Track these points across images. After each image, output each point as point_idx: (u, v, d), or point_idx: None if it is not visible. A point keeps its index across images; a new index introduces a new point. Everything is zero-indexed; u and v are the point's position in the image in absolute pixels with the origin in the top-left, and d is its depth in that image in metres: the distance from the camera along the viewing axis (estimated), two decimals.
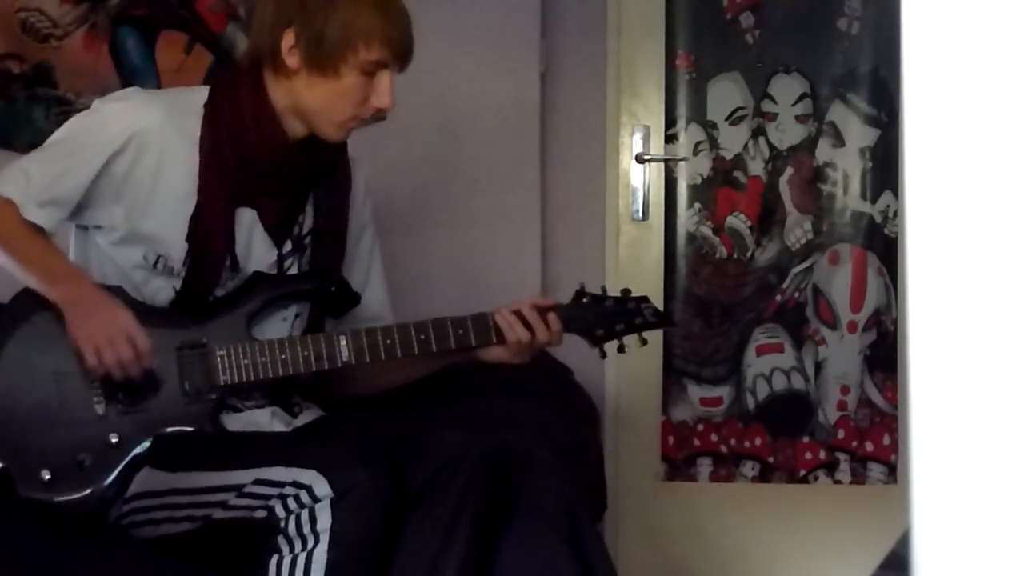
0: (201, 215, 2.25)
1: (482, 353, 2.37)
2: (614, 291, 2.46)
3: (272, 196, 2.31)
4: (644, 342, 2.45)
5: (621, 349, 2.43)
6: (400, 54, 2.26)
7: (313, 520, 2.08)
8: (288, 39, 2.22)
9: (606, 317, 2.40)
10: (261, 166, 2.27)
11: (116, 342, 2.14)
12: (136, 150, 2.22)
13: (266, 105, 2.25)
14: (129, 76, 3.22)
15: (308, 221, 2.37)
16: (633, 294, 2.45)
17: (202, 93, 2.31)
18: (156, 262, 2.26)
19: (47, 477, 2.15)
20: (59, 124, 3.12)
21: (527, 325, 2.32)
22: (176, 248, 2.25)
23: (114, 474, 2.17)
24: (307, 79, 2.23)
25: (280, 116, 2.26)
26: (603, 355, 2.44)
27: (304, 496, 2.09)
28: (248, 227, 2.30)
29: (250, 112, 2.25)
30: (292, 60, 2.22)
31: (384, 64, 2.23)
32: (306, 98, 2.24)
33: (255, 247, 2.31)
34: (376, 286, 2.49)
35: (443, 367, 2.43)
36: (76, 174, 2.23)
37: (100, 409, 2.20)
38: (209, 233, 2.25)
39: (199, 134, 2.25)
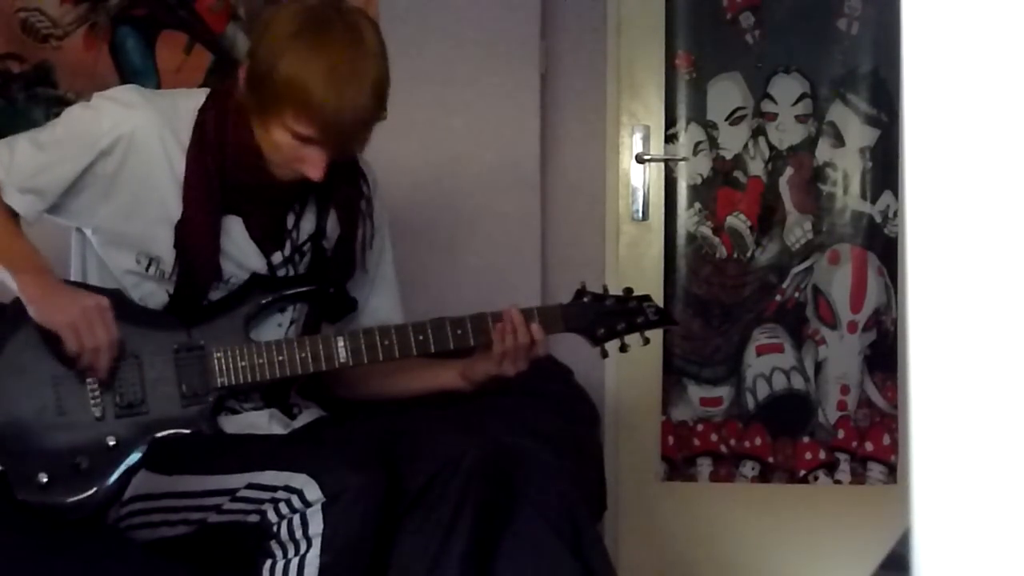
0: (186, 225, 2.23)
1: (474, 372, 2.36)
2: (615, 291, 2.45)
3: (256, 208, 2.28)
4: (646, 341, 2.44)
5: (623, 348, 2.41)
6: (330, 138, 2.11)
7: (305, 525, 2.07)
8: (243, 71, 2.15)
9: (607, 316, 2.39)
10: (241, 184, 2.24)
11: (93, 321, 2.12)
12: (123, 152, 2.20)
13: (247, 127, 2.19)
14: (129, 76, 3.22)
15: (309, 226, 2.35)
16: (635, 293, 2.44)
17: (200, 98, 2.28)
18: (148, 266, 2.25)
19: (44, 480, 2.14)
20: None
21: (513, 330, 2.31)
22: (166, 253, 2.24)
23: (112, 477, 2.17)
24: (252, 115, 2.16)
25: (258, 140, 2.20)
26: (604, 354, 2.43)
27: (295, 500, 2.08)
28: (237, 235, 2.28)
29: (232, 130, 2.21)
30: (241, 92, 2.16)
31: (312, 141, 2.12)
32: (255, 133, 2.18)
33: (245, 255, 2.30)
34: (384, 290, 2.47)
35: (440, 388, 2.42)
36: (61, 167, 2.21)
37: (97, 412, 2.19)
38: (195, 243, 2.23)
39: (189, 143, 2.23)
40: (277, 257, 2.32)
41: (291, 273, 2.34)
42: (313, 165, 2.14)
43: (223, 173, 2.22)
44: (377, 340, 2.28)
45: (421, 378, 2.44)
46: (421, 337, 2.29)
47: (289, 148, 2.14)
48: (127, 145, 2.20)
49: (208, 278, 2.26)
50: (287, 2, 2.25)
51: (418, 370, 2.43)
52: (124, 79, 3.21)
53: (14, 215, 2.22)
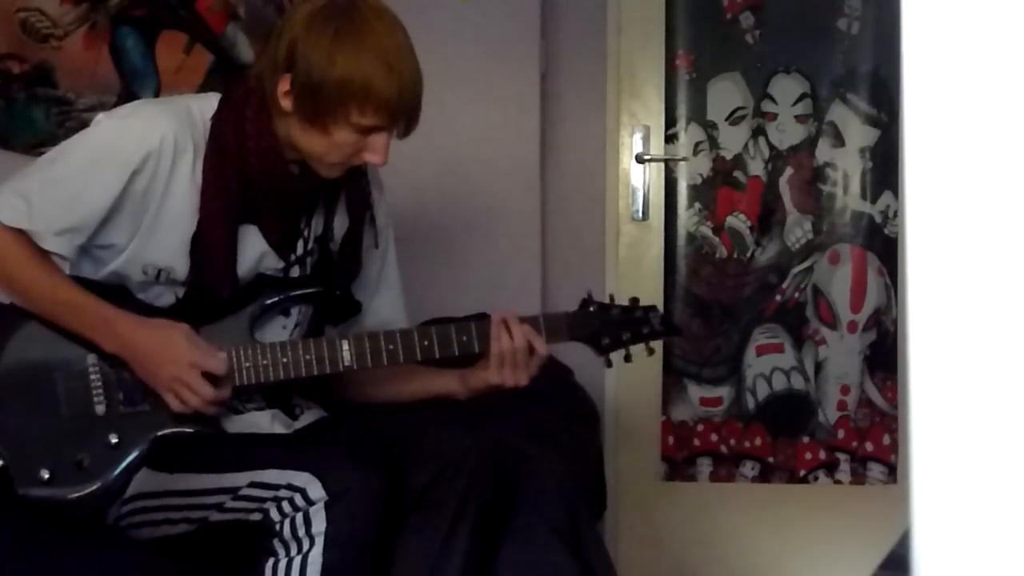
0: (202, 235, 2.21)
1: (473, 379, 2.35)
2: (615, 291, 2.45)
3: (274, 215, 2.27)
4: (651, 352, 2.43)
5: (628, 358, 2.40)
6: (397, 121, 2.16)
7: (308, 523, 2.07)
8: (284, 84, 2.14)
9: (612, 326, 2.38)
10: (261, 189, 2.23)
11: (194, 386, 2.15)
12: (154, 168, 2.17)
13: (269, 131, 2.19)
14: (129, 76, 3.22)
15: (318, 227, 2.35)
16: (641, 302, 2.43)
17: (212, 103, 2.25)
18: (158, 275, 2.24)
19: (46, 476, 2.14)
20: (59, 124, 3.15)
21: (507, 330, 2.30)
22: (179, 263, 2.22)
23: (113, 474, 2.17)
24: (299, 124, 2.16)
25: (282, 143, 2.20)
26: (608, 364, 2.41)
27: (298, 499, 2.08)
28: (254, 242, 2.27)
29: (253, 136, 2.19)
30: (286, 104, 2.15)
31: (379, 129, 2.15)
32: (298, 139, 2.18)
33: (262, 261, 2.28)
34: (387, 293, 2.46)
35: (437, 393, 2.41)
36: (94, 197, 2.17)
37: (100, 409, 2.19)
38: (211, 252, 2.22)
39: (205, 151, 2.21)
40: (291, 260, 2.32)
41: (300, 274, 2.33)
42: (376, 151, 2.17)
43: (243, 181, 2.21)
44: (382, 345, 2.27)
45: (420, 382, 2.43)
46: (426, 342, 2.28)
47: (351, 144, 2.16)
48: (157, 159, 2.17)
49: (224, 288, 2.24)
50: (298, 7, 2.24)
51: (417, 374, 2.42)
52: (124, 79, 3.21)
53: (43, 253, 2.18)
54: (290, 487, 2.09)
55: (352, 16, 2.12)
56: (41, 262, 2.17)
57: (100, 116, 2.28)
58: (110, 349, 2.17)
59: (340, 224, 2.36)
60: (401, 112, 2.14)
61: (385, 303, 2.45)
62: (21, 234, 2.16)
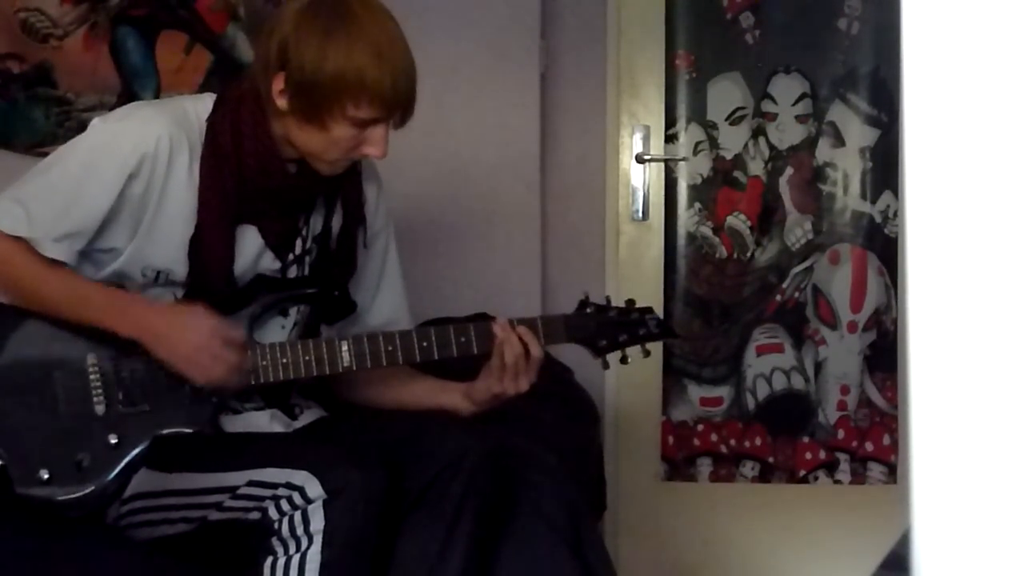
0: (201, 236, 2.20)
1: (476, 391, 2.34)
2: (615, 291, 2.45)
3: (271, 216, 2.27)
4: (647, 353, 2.43)
5: (624, 360, 2.41)
6: (394, 112, 2.16)
7: (306, 521, 2.08)
8: (278, 83, 2.14)
9: (609, 327, 2.38)
10: (259, 189, 2.23)
11: (218, 354, 2.15)
12: (150, 170, 2.17)
13: (265, 131, 2.19)
14: (129, 76, 3.22)
15: (317, 226, 2.35)
16: (637, 304, 2.43)
17: (207, 104, 2.25)
18: (157, 277, 2.24)
19: (45, 476, 2.14)
20: (59, 124, 3.15)
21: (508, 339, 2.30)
22: (179, 264, 2.22)
23: (113, 474, 2.16)
24: (296, 122, 2.16)
25: (279, 143, 2.20)
26: (606, 366, 2.42)
27: (297, 497, 2.08)
28: (252, 243, 2.27)
29: (249, 136, 2.19)
30: (281, 103, 2.15)
31: (376, 121, 2.15)
32: (296, 137, 2.18)
33: (260, 262, 2.28)
34: (388, 291, 2.46)
35: (440, 406, 2.40)
36: (92, 202, 2.17)
37: (100, 409, 2.19)
38: (209, 254, 2.22)
39: (201, 152, 2.21)
40: (289, 259, 2.32)
41: (298, 274, 2.33)
42: (376, 144, 2.17)
43: (240, 182, 2.21)
44: (381, 346, 2.27)
45: (424, 393, 2.42)
46: (424, 344, 2.28)
47: (350, 139, 2.16)
48: (152, 161, 2.16)
49: (222, 288, 2.24)
50: (286, 5, 2.23)
51: (423, 384, 2.42)
52: (124, 79, 3.21)
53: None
54: (289, 486, 2.09)
55: (341, 10, 2.13)
56: (44, 263, 2.17)
57: (95, 120, 2.28)
58: (127, 333, 2.16)
59: (338, 223, 2.37)
60: (396, 102, 2.14)
61: (387, 302, 2.45)
62: (21, 242, 2.16)
